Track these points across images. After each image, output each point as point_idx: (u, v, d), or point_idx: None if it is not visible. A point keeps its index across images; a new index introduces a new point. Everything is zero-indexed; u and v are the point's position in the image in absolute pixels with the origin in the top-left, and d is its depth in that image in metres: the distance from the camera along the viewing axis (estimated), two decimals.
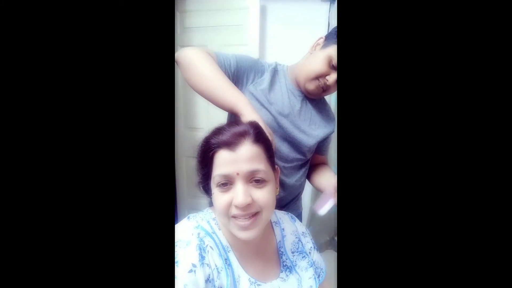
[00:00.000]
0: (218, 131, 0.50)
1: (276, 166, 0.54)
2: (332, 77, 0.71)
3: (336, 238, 1.78)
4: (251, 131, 0.48)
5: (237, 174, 0.45)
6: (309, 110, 0.81)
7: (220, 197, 0.47)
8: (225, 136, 0.47)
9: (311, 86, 0.74)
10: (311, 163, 0.89)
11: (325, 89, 0.74)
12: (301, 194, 0.94)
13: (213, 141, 0.48)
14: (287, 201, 0.87)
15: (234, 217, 0.46)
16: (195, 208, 1.86)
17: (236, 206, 0.45)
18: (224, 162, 0.46)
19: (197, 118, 1.80)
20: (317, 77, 0.72)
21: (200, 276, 0.43)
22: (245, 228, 0.46)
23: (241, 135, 0.47)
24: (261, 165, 0.47)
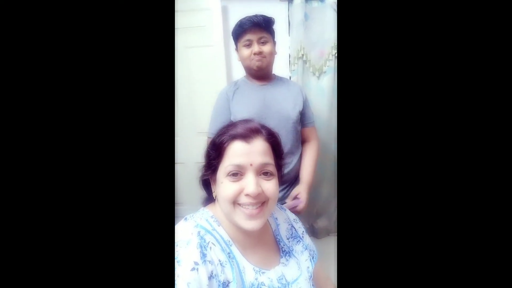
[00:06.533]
0: (233, 125, 0.53)
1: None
2: (255, 48, 0.98)
3: (315, 225, 1.87)
4: (263, 131, 0.53)
5: (251, 165, 0.49)
6: (273, 91, 1.04)
7: (229, 185, 0.49)
8: (240, 129, 0.51)
9: (255, 64, 1.00)
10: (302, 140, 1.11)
11: (263, 56, 0.99)
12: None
13: (229, 132, 0.51)
14: (287, 183, 1.04)
15: (241, 205, 0.49)
16: (176, 215, 1.80)
17: (247, 195, 0.48)
18: (239, 152, 0.50)
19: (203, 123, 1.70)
20: (249, 58, 1.00)
21: (203, 274, 0.44)
22: (252, 217, 0.49)
23: (255, 131, 0.52)
24: (271, 160, 0.52)
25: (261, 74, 1.04)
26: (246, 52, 0.99)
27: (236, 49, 1.06)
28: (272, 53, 1.03)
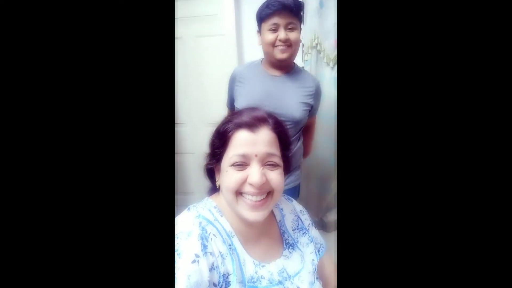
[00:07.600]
0: (238, 113, 0.52)
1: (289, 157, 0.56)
2: (282, 34, 0.89)
3: (324, 218, 1.85)
4: (270, 120, 0.51)
5: (255, 155, 0.47)
6: (283, 84, 0.96)
7: (234, 174, 0.48)
8: (246, 118, 0.49)
9: (278, 54, 0.91)
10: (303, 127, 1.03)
11: (289, 45, 0.90)
12: (300, 165, 1.06)
13: (235, 121, 0.49)
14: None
15: (245, 195, 0.48)
16: (185, 204, 1.84)
17: (251, 185, 0.47)
18: (244, 142, 0.48)
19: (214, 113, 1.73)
20: (273, 45, 0.90)
21: (204, 265, 0.44)
22: (255, 208, 0.48)
23: (262, 120, 0.50)
24: (277, 151, 0.50)
25: (281, 64, 0.95)
26: (270, 36, 0.89)
27: (259, 31, 0.96)
28: (298, 42, 0.93)
